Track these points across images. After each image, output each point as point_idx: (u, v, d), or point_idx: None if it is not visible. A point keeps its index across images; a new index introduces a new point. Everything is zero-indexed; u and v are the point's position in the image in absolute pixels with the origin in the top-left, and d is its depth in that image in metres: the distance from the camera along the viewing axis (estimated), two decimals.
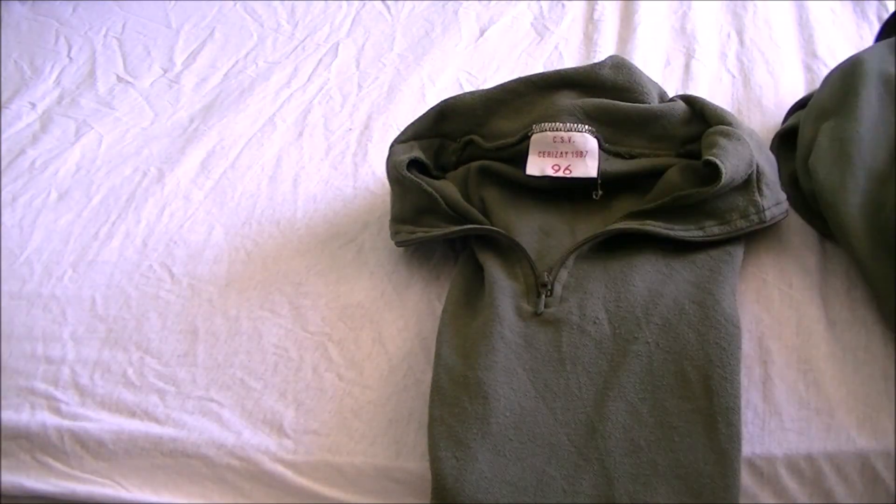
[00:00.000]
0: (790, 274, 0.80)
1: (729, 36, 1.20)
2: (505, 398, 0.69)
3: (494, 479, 0.65)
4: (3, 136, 1.17)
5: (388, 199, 0.90)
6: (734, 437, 0.65)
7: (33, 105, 1.25)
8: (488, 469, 0.65)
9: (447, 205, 0.84)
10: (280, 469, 0.73)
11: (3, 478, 0.76)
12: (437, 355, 0.74)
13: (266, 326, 0.84)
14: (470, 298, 0.80)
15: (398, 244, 0.86)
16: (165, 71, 1.30)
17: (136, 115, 1.20)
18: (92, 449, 0.76)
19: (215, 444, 0.75)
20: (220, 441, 0.75)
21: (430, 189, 0.84)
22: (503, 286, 0.78)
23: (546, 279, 0.78)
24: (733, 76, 1.11)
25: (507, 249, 0.81)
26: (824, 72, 1.07)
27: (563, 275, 0.79)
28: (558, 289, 0.78)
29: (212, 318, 0.85)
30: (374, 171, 1.01)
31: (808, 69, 1.10)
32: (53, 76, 1.31)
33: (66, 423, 0.78)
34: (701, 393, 0.67)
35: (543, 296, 0.77)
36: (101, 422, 0.78)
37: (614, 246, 0.81)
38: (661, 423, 0.67)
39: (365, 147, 1.06)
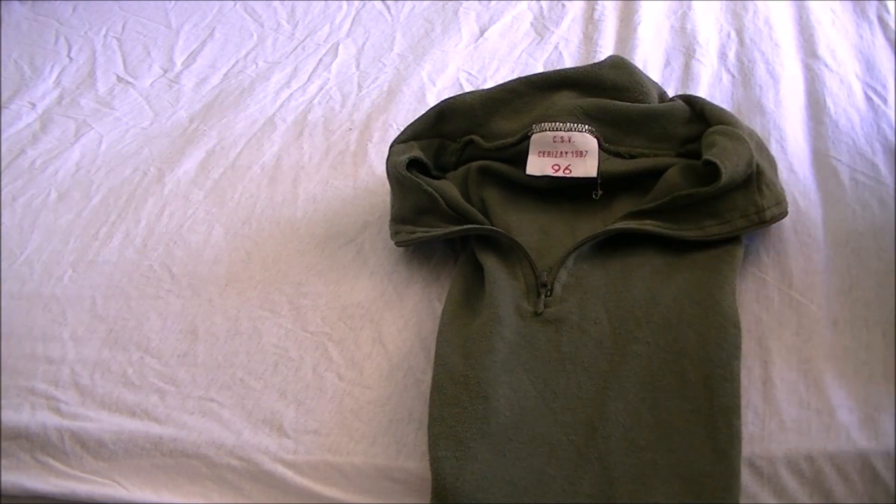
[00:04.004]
0: (790, 274, 0.80)
1: (729, 36, 1.20)
2: (505, 398, 0.69)
3: (494, 479, 0.65)
4: (3, 136, 1.17)
5: (388, 199, 0.90)
6: (734, 438, 0.65)
7: (33, 105, 1.25)
8: (488, 469, 0.65)
9: (447, 205, 0.84)
10: (280, 469, 0.73)
11: (3, 478, 0.76)
12: (438, 355, 0.74)
13: (266, 326, 0.84)
14: (470, 298, 0.80)
15: (398, 244, 0.86)
16: (165, 71, 1.30)
17: (136, 115, 1.20)
18: (92, 449, 0.76)
19: (215, 444, 0.75)
20: (220, 441, 0.75)
21: (430, 189, 0.84)
22: (503, 286, 0.78)
23: (546, 279, 0.78)
24: (733, 76, 1.10)
25: (508, 249, 0.81)
26: (824, 71, 1.08)
27: (563, 275, 0.79)
28: (558, 288, 0.77)
29: (212, 318, 0.85)
30: (374, 171, 1.01)
31: (808, 69, 1.10)
32: (53, 76, 1.32)
33: (66, 423, 0.78)
34: (701, 393, 0.67)
35: (543, 295, 0.77)
36: (101, 422, 0.77)
37: (614, 246, 0.81)
38: (661, 422, 0.67)
39: (365, 147, 1.06)
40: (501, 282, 0.78)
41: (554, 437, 0.67)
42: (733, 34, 1.20)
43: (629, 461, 0.65)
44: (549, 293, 0.77)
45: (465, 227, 0.82)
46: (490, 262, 0.80)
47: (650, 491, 0.64)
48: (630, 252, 0.80)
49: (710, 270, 0.77)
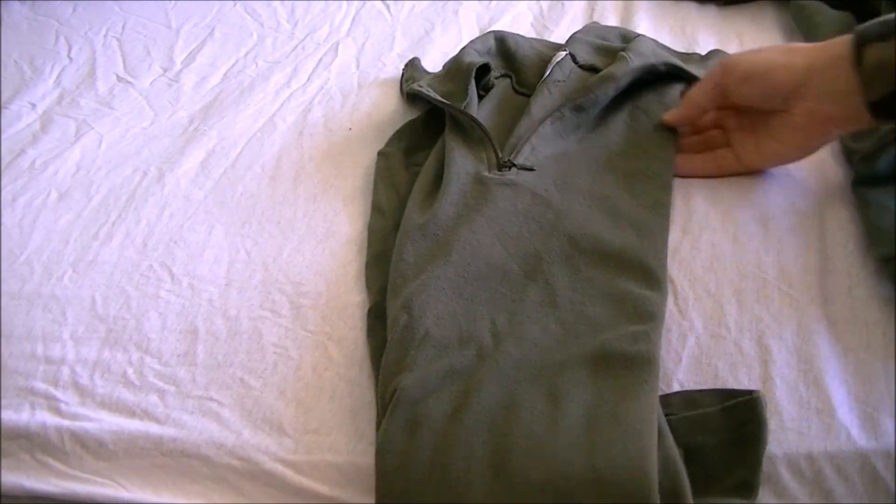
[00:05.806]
0: (790, 274, 0.80)
1: (729, 36, 1.20)
2: (463, 237, 0.80)
3: (453, 293, 0.75)
4: (3, 136, 1.17)
5: None
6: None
7: (33, 105, 1.25)
8: (448, 286, 0.76)
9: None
10: (280, 469, 0.73)
11: (3, 478, 0.76)
12: (405, 217, 0.86)
13: (266, 326, 0.84)
14: (434, 188, 0.89)
15: (408, 91, 1.03)
16: (165, 71, 1.30)
17: (136, 115, 1.20)
18: (92, 449, 0.76)
19: (215, 443, 0.75)
20: (220, 441, 0.75)
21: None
22: (464, 161, 0.89)
23: (507, 160, 0.88)
24: None
25: (478, 140, 0.92)
26: None
27: (521, 157, 0.89)
28: (516, 168, 0.88)
29: (212, 318, 0.85)
30: (374, 171, 1.01)
31: None
32: (53, 76, 1.31)
33: (66, 423, 0.78)
34: (629, 228, 0.80)
35: (505, 168, 0.88)
36: (101, 422, 0.78)
37: (574, 136, 0.92)
38: (599, 252, 0.78)
39: (365, 146, 1.06)
40: (462, 158, 0.89)
41: (506, 266, 0.77)
42: (733, 36, 1.20)
43: (570, 278, 0.76)
44: (508, 169, 0.88)
45: (449, 104, 0.96)
46: (455, 145, 0.91)
47: (587, 301, 0.73)
48: (584, 139, 0.91)
49: (646, 161, 0.88)
